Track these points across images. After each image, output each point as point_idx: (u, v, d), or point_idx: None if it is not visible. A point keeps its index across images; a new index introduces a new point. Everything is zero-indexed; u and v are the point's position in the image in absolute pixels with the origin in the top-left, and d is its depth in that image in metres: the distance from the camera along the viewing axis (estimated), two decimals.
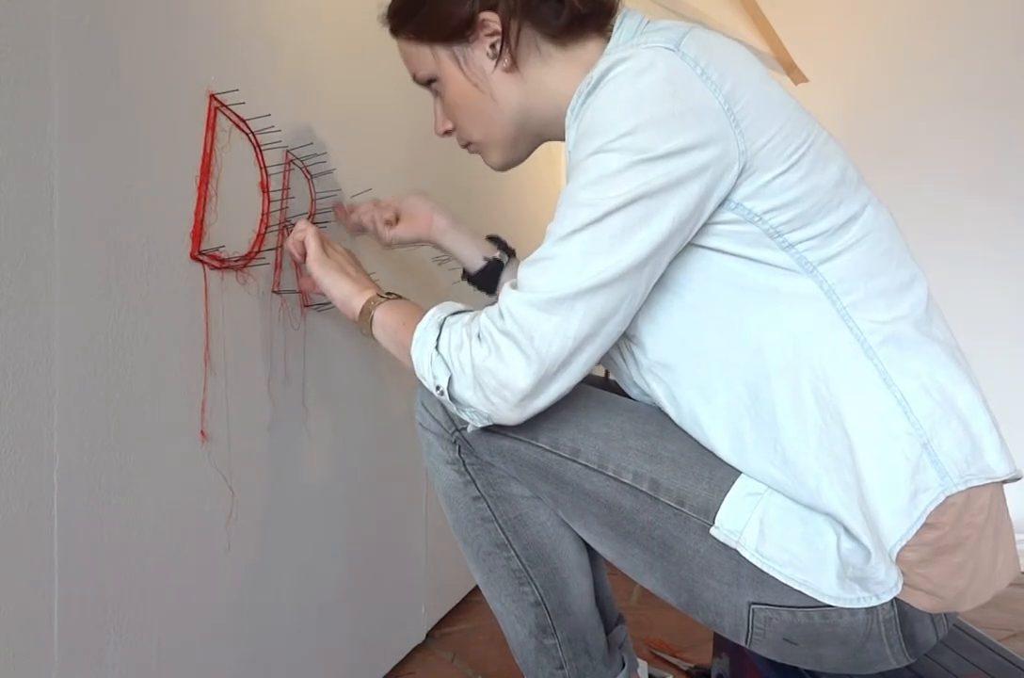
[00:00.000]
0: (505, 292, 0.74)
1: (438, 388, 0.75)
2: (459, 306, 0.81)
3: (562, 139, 0.86)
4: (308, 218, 1.04)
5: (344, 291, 0.90)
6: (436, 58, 0.85)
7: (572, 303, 0.70)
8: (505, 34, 0.81)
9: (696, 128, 0.68)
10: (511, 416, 0.74)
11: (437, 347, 0.76)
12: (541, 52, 0.83)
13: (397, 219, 1.09)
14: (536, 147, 0.92)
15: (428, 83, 0.90)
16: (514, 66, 0.82)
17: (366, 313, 0.87)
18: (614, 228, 0.69)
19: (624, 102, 0.69)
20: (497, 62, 0.82)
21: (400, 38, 0.88)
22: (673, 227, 0.70)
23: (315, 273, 0.92)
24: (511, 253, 1.14)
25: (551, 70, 0.83)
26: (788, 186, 0.71)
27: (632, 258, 0.70)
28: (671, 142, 0.68)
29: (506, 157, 0.91)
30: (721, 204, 0.72)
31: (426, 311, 0.80)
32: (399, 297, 0.89)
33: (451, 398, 0.75)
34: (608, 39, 0.83)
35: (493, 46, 0.82)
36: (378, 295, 0.88)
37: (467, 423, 0.79)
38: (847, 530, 0.72)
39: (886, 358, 0.72)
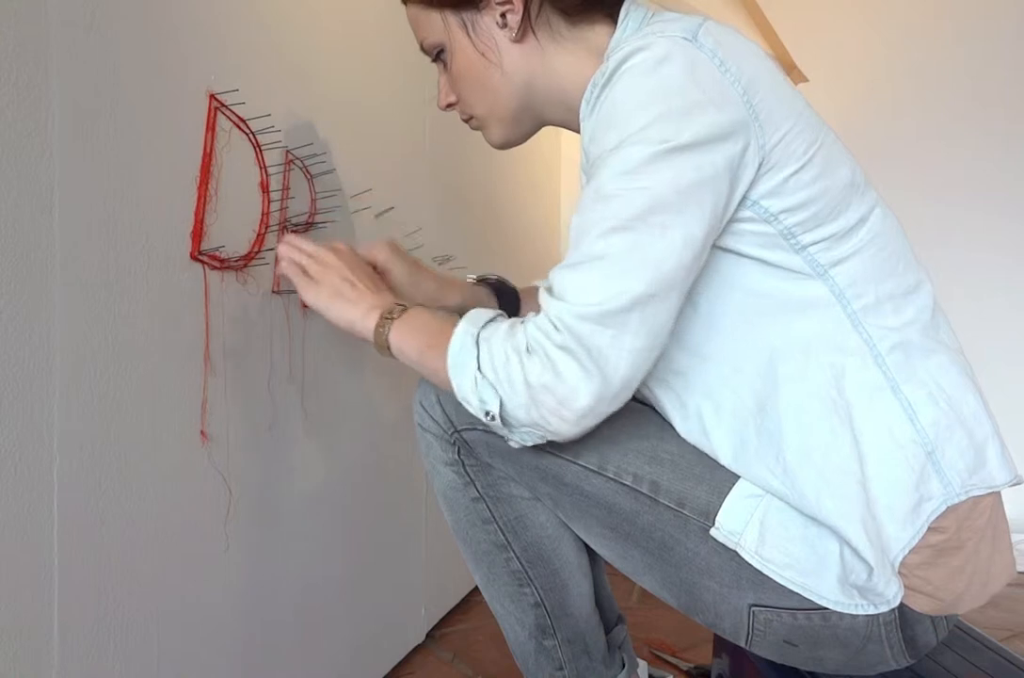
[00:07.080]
0: (548, 301, 0.69)
1: (488, 413, 0.70)
2: (488, 314, 0.75)
3: (562, 125, 0.86)
4: (282, 230, 0.99)
5: (346, 318, 0.83)
6: (445, 24, 0.83)
7: (627, 315, 0.67)
8: (525, 4, 0.79)
9: (718, 117, 0.67)
10: (569, 433, 0.70)
11: (479, 368, 0.70)
12: (552, 27, 0.81)
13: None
14: (537, 129, 0.90)
15: (436, 54, 0.87)
16: (524, 37, 0.81)
17: (380, 338, 0.80)
18: (653, 224, 0.66)
19: (644, 93, 0.67)
20: (509, 32, 0.81)
21: (411, 3, 0.86)
22: (712, 222, 0.68)
23: (311, 306, 0.86)
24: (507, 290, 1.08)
25: (559, 48, 0.82)
26: (802, 185, 0.71)
27: (677, 256, 0.67)
28: (694, 131, 0.66)
29: (507, 134, 0.88)
30: (740, 201, 0.71)
31: (448, 324, 0.75)
32: (406, 308, 0.81)
33: (503, 421, 0.71)
34: (614, 28, 0.81)
35: (503, 15, 0.80)
36: (383, 316, 0.80)
37: (507, 438, 0.75)
38: (848, 544, 0.71)
39: (894, 365, 0.72)
